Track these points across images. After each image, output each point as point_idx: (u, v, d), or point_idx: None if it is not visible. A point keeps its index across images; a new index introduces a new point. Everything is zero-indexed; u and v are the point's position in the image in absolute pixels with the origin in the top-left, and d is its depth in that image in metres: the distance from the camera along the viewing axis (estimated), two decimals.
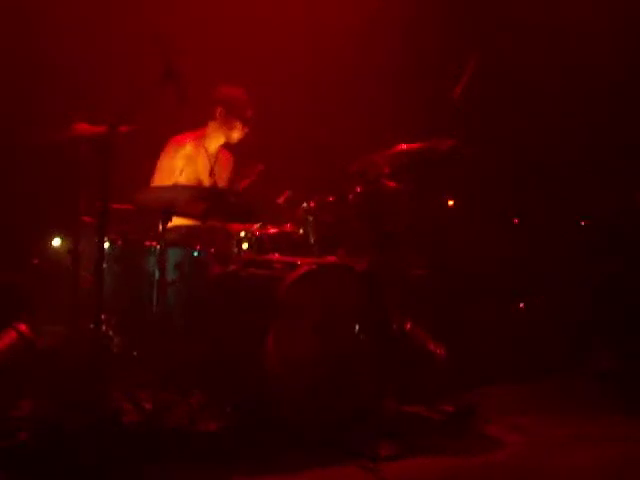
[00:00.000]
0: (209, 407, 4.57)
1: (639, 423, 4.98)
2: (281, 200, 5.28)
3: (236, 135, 5.85)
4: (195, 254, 4.99)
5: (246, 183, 5.75)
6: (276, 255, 5.06)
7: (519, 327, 6.46)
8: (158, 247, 4.76)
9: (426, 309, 5.72)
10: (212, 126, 5.88)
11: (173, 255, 4.86)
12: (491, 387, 5.72)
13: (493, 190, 6.75)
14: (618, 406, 5.27)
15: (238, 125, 5.81)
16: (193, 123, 5.87)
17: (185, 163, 5.77)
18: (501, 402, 5.49)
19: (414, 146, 5.37)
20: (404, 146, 5.38)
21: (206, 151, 5.84)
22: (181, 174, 5.71)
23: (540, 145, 6.82)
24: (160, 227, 4.71)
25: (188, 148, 5.82)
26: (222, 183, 5.87)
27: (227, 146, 5.99)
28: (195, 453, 4.25)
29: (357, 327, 4.77)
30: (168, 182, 5.66)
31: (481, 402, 5.19)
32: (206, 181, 5.76)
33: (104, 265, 4.51)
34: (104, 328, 4.60)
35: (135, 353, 4.76)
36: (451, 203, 5.66)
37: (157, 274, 4.73)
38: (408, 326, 5.35)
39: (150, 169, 5.81)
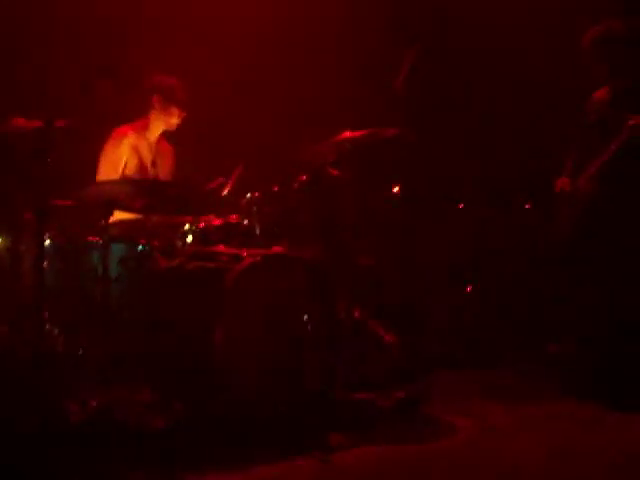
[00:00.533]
0: (157, 404, 4.49)
1: (590, 408, 5.01)
2: (213, 186, 5.22)
3: (174, 121, 5.77)
4: (139, 248, 4.91)
5: (229, 186, 5.61)
6: (221, 247, 5.00)
7: (470, 313, 6.48)
8: (101, 242, 4.69)
9: (375, 297, 5.71)
10: (152, 115, 5.80)
11: (117, 250, 4.78)
12: (442, 373, 5.74)
13: (438, 177, 6.76)
14: (570, 391, 5.29)
15: (175, 110, 5.74)
16: (133, 115, 5.80)
17: (130, 154, 5.69)
18: (452, 388, 5.51)
19: (358, 134, 5.33)
20: (348, 134, 5.34)
21: (147, 142, 5.77)
22: (125, 166, 5.64)
23: (485, 129, 6.84)
24: (102, 222, 4.64)
25: (132, 139, 5.73)
26: (164, 174, 5.81)
27: (169, 138, 5.92)
28: (142, 451, 4.16)
29: (305, 317, 4.73)
30: (114, 174, 5.58)
31: (432, 388, 5.20)
32: (149, 173, 5.69)
33: (46, 263, 4.42)
34: (47, 327, 4.51)
35: (80, 351, 4.67)
36: (396, 190, 5.64)
37: (101, 270, 4.66)
38: (357, 314, 5.34)
39: (92, 163, 5.71)
